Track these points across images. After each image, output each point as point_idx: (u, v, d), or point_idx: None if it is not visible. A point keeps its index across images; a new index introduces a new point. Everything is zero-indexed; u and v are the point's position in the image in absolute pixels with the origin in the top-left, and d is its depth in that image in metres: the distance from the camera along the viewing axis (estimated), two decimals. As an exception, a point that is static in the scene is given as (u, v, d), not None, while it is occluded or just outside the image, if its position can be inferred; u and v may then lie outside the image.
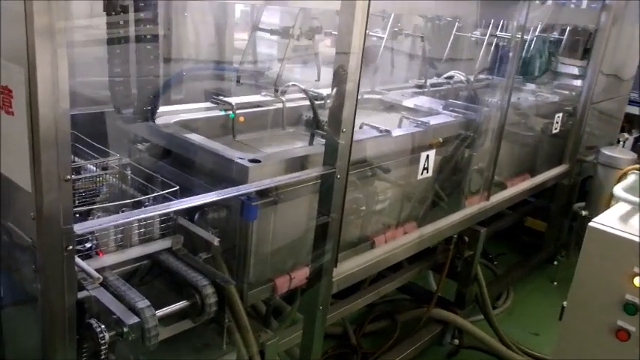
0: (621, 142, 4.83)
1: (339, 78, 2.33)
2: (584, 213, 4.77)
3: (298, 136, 3.26)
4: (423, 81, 4.42)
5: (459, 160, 3.58)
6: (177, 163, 2.62)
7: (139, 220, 2.13)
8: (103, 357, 1.79)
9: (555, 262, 5.40)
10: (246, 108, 3.10)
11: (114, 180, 2.46)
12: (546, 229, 5.34)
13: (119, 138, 2.69)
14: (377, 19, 4.00)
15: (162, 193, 2.23)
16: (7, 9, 1.45)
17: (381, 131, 2.98)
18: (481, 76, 4.77)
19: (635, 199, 2.51)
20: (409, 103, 3.92)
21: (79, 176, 2.38)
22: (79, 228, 1.62)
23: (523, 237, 5.55)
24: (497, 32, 4.53)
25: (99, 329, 1.78)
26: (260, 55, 3.69)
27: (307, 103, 3.18)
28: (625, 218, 2.42)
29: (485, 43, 4.62)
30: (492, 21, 4.60)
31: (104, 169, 2.49)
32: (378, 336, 3.97)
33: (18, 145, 1.50)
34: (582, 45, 5.13)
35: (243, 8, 3.87)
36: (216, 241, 2.24)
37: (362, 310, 3.71)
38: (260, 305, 2.84)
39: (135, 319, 1.82)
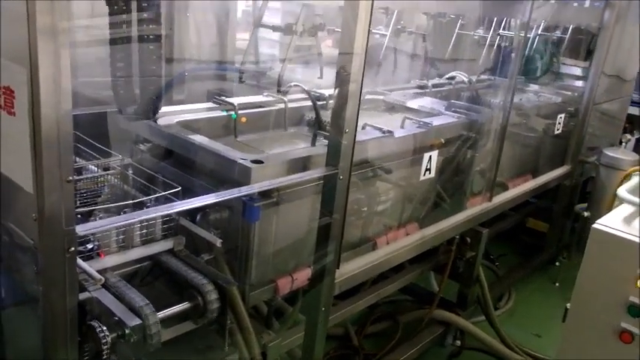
0: (624, 143, 4.81)
1: (341, 78, 2.32)
2: (586, 214, 4.76)
3: (300, 137, 3.25)
4: (425, 81, 4.41)
5: (462, 161, 3.57)
6: (179, 164, 2.61)
7: (141, 221, 2.12)
8: (104, 358, 1.78)
9: (557, 263, 5.39)
10: (248, 108, 3.09)
11: (115, 181, 2.46)
12: (548, 230, 5.33)
13: (121, 138, 2.68)
14: (380, 16, 3.99)
15: (164, 193, 2.22)
16: (9, 9, 1.44)
17: (383, 132, 2.97)
18: (483, 77, 4.76)
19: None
20: (411, 103, 3.91)
21: (81, 177, 2.37)
22: (81, 229, 1.61)
23: (524, 238, 5.55)
24: (500, 31, 4.53)
25: (100, 331, 1.77)
26: (262, 55, 3.68)
27: (309, 103, 3.17)
28: (629, 220, 2.41)
29: (487, 43, 4.62)
30: (495, 19, 4.59)
31: (106, 169, 2.48)
32: (379, 337, 3.96)
33: (20, 145, 1.48)
34: (585, 46, 5.12)
35: (244, 8, 3.86)
36: (218, 243, 2.23)
37: (363, 311, 3.70)
38: (261, 306, 2.83)
39: (137, 321, 1.81)
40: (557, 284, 5.09)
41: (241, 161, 2.32)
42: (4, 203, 1.74)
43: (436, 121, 3.39)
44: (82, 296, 1.83)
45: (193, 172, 2.54)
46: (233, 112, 2.96)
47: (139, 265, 2.20)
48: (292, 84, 3.20)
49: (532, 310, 4.70)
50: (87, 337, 1.82)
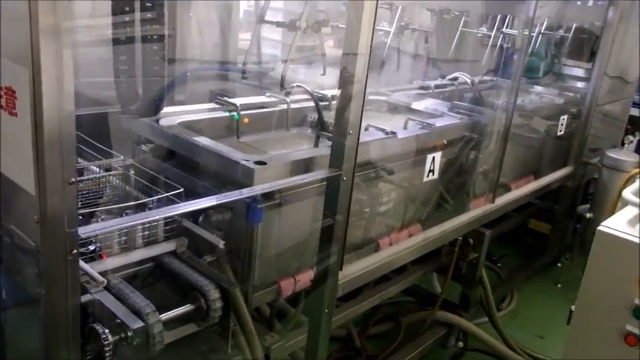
0: (626, 145, 4.79)
1: (345, 79, 2.30)
2: (588, 215, 4.75)
3: (303, 138, 3.23)
4: (428, 82, 4.39)
5: (464, 162, 3.56)
6: (181, 165, 2.59)
7: (143, 223, 2.11)
8: (106, 361, 1.77)
9: (559, 265, 5.37)
10: (251, 109, 3.07)
11: (117, 181, 2.44)
12: (550, 232, 5.32)
13: (122, 139, 2.67)
14: (384, 12, 3.98)
15: (166, 195, 2.20)
16: (11, 9, 1.42)
17: (387, 133, 2.96)
18: (486, 78, 4.75)
19: (645, 202, 2.48)
20: (415, 104, 3.89)
21: (82, 177, 2.35)
22: (83, 231, 1.59)
23: (526, 239, 5.53)
24: (504, 29, 4.51)
25: (103, 334, 1.76)
26: (264, 55, 3.66)
27: (312, 104, 3.16)
28: (634, 222, 2.39)
29: (490, 44, 4.60)
30: (499, 16, 4.58)
31: (107, 170, 2.46)
32: (382, 338, 3.95)
33: (21, 146, 1.47)
34: (588, 47, 5.11)
35: (246, 8, 3.85)
36: (221, 244, 2.22)
37: (366, 312, 3.68)
38: (264, 308, 2.82)
39: (139, 324, 1.80)
40: (559, 285, 5.08)
41: (244, 162, 2.30)
42: (5, 205, 1.73)
43: (439, 123, 3.37)
44: (84, 298, 1.82)
45: (195, 173, 2.52)
46: (235, 113, 2.94)
47: (142, 267, 2.18)
48: (295, 84, 3.19)
49: (534, 312, 4.68)
50: (89, 339, 1.80)
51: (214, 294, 2.04)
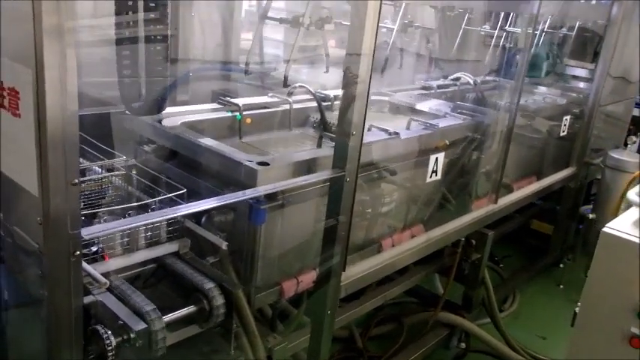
0: (629, 145, 4.78)
1: (348, 80, 2.29)
2: (591, 216, 4.74)
3: (305, 138, 3.22)
4: (430, 82, 4.38)
5: (467, 163, 3.55)
6: (184, 165, 2.58)
7: (146, 224, 2.10)
8: (109, 363, 1.76)
9: (561, 265, 5.36)
10: (253, 109, 3.06)
11: (119, 182, 2.43)
12: (553, 232, 5.31)
13: (124, 139, 2.66)
14: (387, 9, 3.96)
15: (169, 196, 2.19)
16: (14, 9, 1.41)
17: (390, 133, 2.95)
18: (488, 78, 4.73)
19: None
20: (418, 105, 3.88)
21: (85, 178, 2.34)
22: (86, 233, 1.58)
23: (529, 240, 5.52)
24: (507, 27, 4.50)
25: (105, 335, 1.75)
26: (266, 55, 3.65)
27: (314, 104, 3.15)
28: (638, 224, 2.38)
29: (493, 42, 4.59)
30: (502, 14, 4.57)
31: (109, 170, 2.45)
32: (384, 339, 3.94)
33: (24, 147, 1.46)
34: (591, 48, 5.10)
35: (247, 8, 3.83)
36: (224, 245, 2.21)
37: (368, 313, 3.67)
38: (266, 308, 2.80)
39: (142, 325, 1.79)
40: (561, 286, 5.07)
41: (247, 163, 2.29)
42: (7, 206, 1.72)
43: (442, 123, 3.36)
44: (87, 300, 1.81)
45: (198, 173, 2.51)
46: (238, 113, 2.94)
47: (144, 268, 2.17)
48: (297, 84, 3.18)
49: (537, 312, 4.67)
50: (91, 340, 1.80)
51: (217, 295, 2.03)
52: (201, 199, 2.11)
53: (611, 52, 4.68)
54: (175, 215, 2.08)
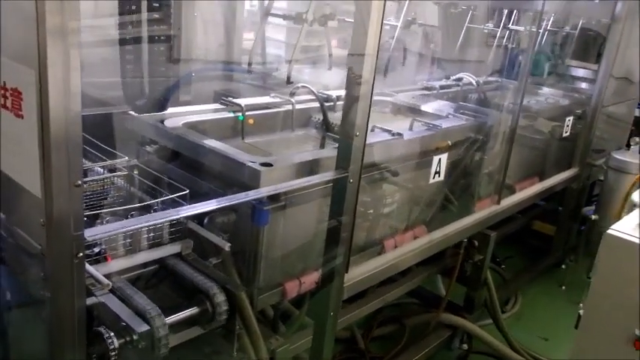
0: (632, 146, 4.77)
1: (352, 80, 2.28)
2: (594, 217, 4.73)
3: (308, 139, 3.21)
4: (432, 83, 4.37)
5: (470, 164, 3.54)
6: (186, 166, 2.57)
7: (149, 225, 2.09)
8: (111, 365, 1.75)
9: (563, 266, 5.34)
10: (256, 110, 3.06)
11: (121, 182, 2.42)
12: (555, 233, 5.29)
13: (126, 140, 2.65)
14: (392, 6, 3.94)
15: (172, 197, 2.18)
16: (17, 9, 1.40)
17: (393, 134, 2.94)
18: (490, 79, 4.72)
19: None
20: (423, 106, 3.87)
21: (87, 179, 2.33)
22: (89, 234, 1.57)
23: (530, 240, 5.50)
24: (510, 25, 4.50)
25: (108, 337, 1.74)
26: (268, 56, 3.64)
27: (317, 104, 3.14)
28: (643, 226, 2.37)
29: (496, 41, 4.58)
30: (505, 12, 4.56)
31: (111, 171, 2.44)
32: (386, 340, 3.93)
33: (27, 148, 1.45)
34: (595, 48, 5.08)
35: (248, 8, 3.82)
36: (227, 247, 2.19)
37: (369, 314, 3.66)
38: (267, 309, 2.80)
39: (145, 327, 1.78)
40: (563, 287, 5.05)
41: (250, 164, 2.28)
42: (10, 207, 1.71)
43: (445, 124, 3.35)
44: (89, 301, 1.80)
45: (200, 174, 2.50)
46: (240, 114, 2.93)
47: (147, 269, 2.16)
48: (300, 85, 3.17)
49: (539, 314, 4.66)
50: (94, 342, 1.79)
51: (220, 297, 2.02)
52: (204, 200, 2.11)
53: (614, 53, 4.67)
54: (179, 217, 2.07)
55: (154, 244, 2.16)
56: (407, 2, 3.90)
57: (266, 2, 3.35)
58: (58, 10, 1.32)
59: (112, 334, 1.76)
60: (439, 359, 3.90)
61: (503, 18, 4.60)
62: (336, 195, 2.42)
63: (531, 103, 4.50)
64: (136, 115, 2.69)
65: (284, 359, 2.57)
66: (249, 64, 3.20)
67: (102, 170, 2.41)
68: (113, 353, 1.74)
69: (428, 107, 3.83)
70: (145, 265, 2.16)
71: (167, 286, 2.22)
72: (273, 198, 2.29)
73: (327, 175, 2.40)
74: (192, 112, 2.88)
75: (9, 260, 1.92)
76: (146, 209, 2.20)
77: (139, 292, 1.94)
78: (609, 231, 2.33)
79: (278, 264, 2.46)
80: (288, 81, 3.09)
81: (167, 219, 2.05)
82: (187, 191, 2.21)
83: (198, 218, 2.31)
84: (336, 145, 2.45)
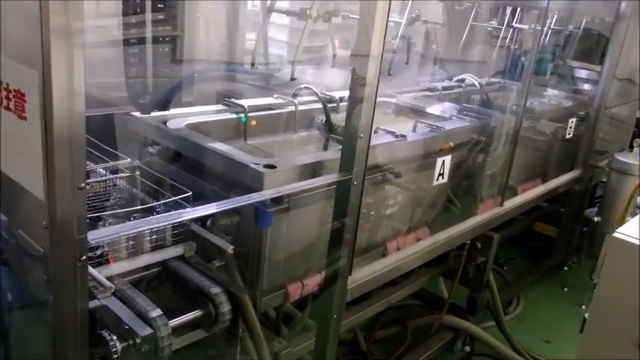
0: (635, 148, 4.75)
1: (356, 82, 2.27)
2: (596, 219, 4.71)
3: (311, 140, 3.20)
4: (435, 84, 4.36)
5: (473, 166, 3.53)
6: (189, 167, 2.56)
7: (152, 227, 2.07)
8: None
9: (566, 268, 5.33)
10: (258, 110, 3.04)
11: (124, 184, 2.41)
12: (557, 235, 5.27)
13: (129, 140, 2.63)
14: (395, 5, 3.92)
15: (174, 198, 2.17)
16: (20, 9, 1.39)
17: (396, 136, 2.92)
18: (493, 80, 4.71)
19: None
20: (423, 106, 3.85)
21: (89, 180, 2.32)
22: (92, 237, 1.56)
23: (532, 242, 5.49)
24: (514, 23, 4.49)
25: (111, 341, 1.73)
26: (271, 56, 3.63)
27: (320, 105, 3.12)
28: (649, 228, 2.35)
29: (499, 41, 4.57)
30: (509, 10, 4.55)
31: (113, 172, 2.43)
32: (388, 342, 3.91)
33: (31, 150, 1.43)
34: (599, 49, 5.07)
35: (250, 8, 3.81)
36: (230, 249, 2.18)
37: (372, 316, 3.65)
38: (270, 311, 2.78)
39: (148, 331, 1.76)
40: (565, 289, 5.03)
41: (254, 166, 2.27)
42: (13, 209, 1.69)
43: (448, 125, 3.34)
44: (92, 304, 1.78)
45: (203, 175, 2.49)
46: (243, 115, 2.91)
47: (149, 272, 2.15)
48: (303, 86, 3.15)
49: (541, 316, 4.64)
50: (96, 346, 1.77)
51: (223, 300, 2.01)
52: (207, 202, 2.10)
53: (618, 53, 4.65)
54: (182, 219, 2.05)
55: (157, 246, 2.15)
56: (411, 1, 3.88)
57: (268, 2, 3.33)
58: (62, 10, 1.31)
59: (115, 337, 1.75)
60: (442, 361, 3.89)
61: (507, 16, 4.58)
62: (340, 197, 2.40)
63: (534, 105, 4.47)
64: (139, 115, 2.68)
65: (287, 362, 2.57)
66: (253, 59, 3.17)
67: (104, 171, 2.39)
68: (116, 357, 1.73)
69: (431, 109, 3.81)
70: (147, 267, 2.14)
71: (170, 288, 2.21)
72: (277, 200, 2.27)
73: (331, 177, 2.38)
74: (194, 113, 2.87)
75: (11, 262, 1.90)
76: (149, 211, 2.18)
77: (141, 295, 1.92)
78: (615, 234, 2.31)
79: (281, 266, 2.44)
80: (292, 78, 3.07)
81: (170, 222, 2.03)
82: (190, 193, 2.19)
83: (201, 220, 2.30)
84: (339, 146, 2.43)
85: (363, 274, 2.77)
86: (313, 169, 2.48)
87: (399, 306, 4.15)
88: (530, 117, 4.19)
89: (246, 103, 2.98)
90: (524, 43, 4.72)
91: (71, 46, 1.34)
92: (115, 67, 2.60)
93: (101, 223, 2.10)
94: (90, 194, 2.31)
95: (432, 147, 3.11)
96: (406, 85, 4.33)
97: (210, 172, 2.48)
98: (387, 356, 3.70)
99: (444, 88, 4.34)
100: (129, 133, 2.66)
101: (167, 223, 2.05)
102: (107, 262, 2.01)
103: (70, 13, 1.32)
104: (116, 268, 2.01)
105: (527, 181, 4.39)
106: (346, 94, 2.38)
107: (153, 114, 2.72)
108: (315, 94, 3.11)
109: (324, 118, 3.13)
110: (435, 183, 3.10)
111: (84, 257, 1.52)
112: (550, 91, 5.03)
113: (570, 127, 4.62)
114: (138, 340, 1.75)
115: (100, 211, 2.20)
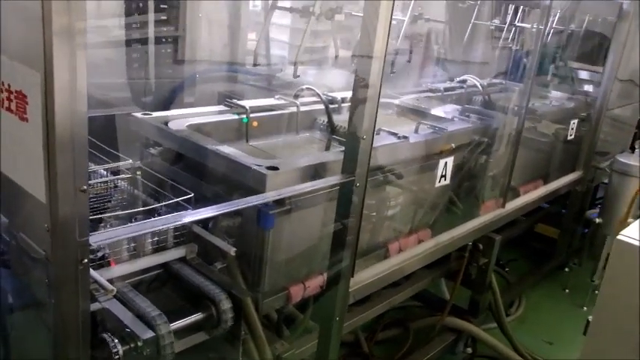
0: (637, 149, 4.73)
1: (359, 83, 2.25)
2: (598, 220, 4.70)
3: (313, 141, 3.18)
4: (437, 85, 4.34)
5: (475, 167, 3.51)
6: (190, 168, 2.55)
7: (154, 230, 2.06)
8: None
9: (567, 269, 5.32)
10: (260, 111, 3.03)
11: (125, 185, 2.39)
12: (559, 236, 5.26)
13: (130, 141, 2.62)
14: (399, 5, 3.91)
15: (176, 200, 2.15)
16: (21, 9, 1.37)
17: (399, 137, 2.91)
18: (495, 81, 4.70)
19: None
20: (425, 108, 3.84)
21: (90, 181, 2.30)
22: (94, 240, 1.55)
23: (534, 243, 5.48)
24: (516, 22, 4.48)
25: (112, 344, 1.72)
26: (272, 57, 3.62)
27: (322, 106, 3.11)
28: (653, 231, 2.34)
29: (500, 46, 4.55)
30: (511, 8, 4.54)
31: (115, 173, 2.41)
32: (390, 344, 3.90)
33: (32, 152, 1.42)
34: (599, 50, 5.06)
35: (251, 8, 3.80)
36: (232, 251, 2.17)
37: (374, 317, 3.63)
38: (272, 313, 2.77)
39: (150, 334, 1.76)
40: (567, 290, 5.02)
41: (256, 167, 2.25)
42: (14, 211, 1.68)
43: (451, 127, 3.32)
44: (93, 307, 1.77)
45: (205, 177, 2.48)
46: (244, 116, 2.89)
47: (151, 274, 2.14)
48: (304, 86, 3.14)
49: (543, 317, 4.63)
50: (98, 349, 1.76)
51: (225, 303, 2.00)
52: (208, 203, 2.08)
53: (620, 54, 4.63)
54: (185, 222, 2.04)
55: (159, 248, 2.14)
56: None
57: (270, 1, 3.33)
58: (65, 10, 1.29)
59: (117, 340, 1.74)
60: (443, 363, 3.88)
61: (509, 15, 4.58)
62: (342, 198, 2.39)
63: (536, 106, 4.46)
64: (140, 116, 2.67)
65: (289, 364, 2.55)
66: (255, 64, 3.16)
67: (105, 173, 2.38)
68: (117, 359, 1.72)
69: (433, 110, 3.80)
70: (149, 269, 2.13)
71: (171, 290, 2.19)
72: (279, 201, 2.26)
73: (333, 179, 2.37)
74: (196, 114, 2.85)
75: (13, 264, 1.89)
76: (150, 213, 2.17)
77: (143, 298, 1.91)
78: (619, 237, 2.29)
79: (283, 268, 2.43)
80: (296, 75, 3.06)
81: (172, 224, 2.02)
82: (192, 195, 2.18)
83: (203, 222, 2.28)
84: (341, 147, 2.42)
85: (366, 275, 2.75)
86: (315, 171, 2.46)
87: (400, 307, 4.13)
88: (532, 118, 4.18)
89: (247, 104, 2.96)
90: (525, 43, 4.72)
91: (74, 46, 1.32)
92: (116, 67, 2.59)
93: (102, 224, 2.08)
94: (91, 195, 2.29)
95: (434, 148, 3.09)
96: (407, 86, 4.32)
97: (212, 173, 2.46)
98: (388, 358, 3.69)
99: (446, 89, 4.33)
100: (130, 133, 2.65)
101: (169, 225, 2.03)
102: (108, 264, 1.99)
103: (73, 14, 1.31)
104: (118, 270, 2.00)
105: (529, 183, 4.37)
106: (348, 94, 2.36)
107: (154, 114, 2.71)
108: (317, 94, 3.10)
109: (326, 119, 3.11)
110: (437, 185, 3.09)
111: (86, 260, 1.51)
112: (552, 93, 5.02)
113: (572, 129, 4.61)
114: (140, 344, 1.74)
115: (102, 213, 2.19)
